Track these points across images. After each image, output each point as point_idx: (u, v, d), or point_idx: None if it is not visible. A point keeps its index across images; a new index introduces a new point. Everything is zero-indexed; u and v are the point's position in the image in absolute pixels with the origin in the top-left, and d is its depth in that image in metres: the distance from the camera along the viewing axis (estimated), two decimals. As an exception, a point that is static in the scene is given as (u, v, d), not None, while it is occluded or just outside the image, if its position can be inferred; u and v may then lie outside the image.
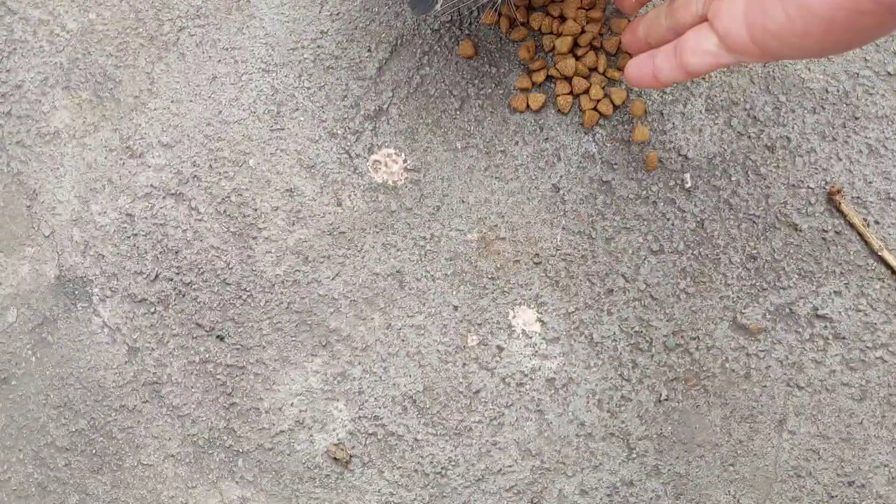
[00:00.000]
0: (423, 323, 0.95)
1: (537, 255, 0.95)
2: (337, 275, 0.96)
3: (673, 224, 0.95)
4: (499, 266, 0.96)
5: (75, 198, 0.97)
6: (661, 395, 0.96)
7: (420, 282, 0.95)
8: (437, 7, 0.63)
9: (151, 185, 0.97)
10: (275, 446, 0.97)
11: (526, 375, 0.96)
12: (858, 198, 0.94)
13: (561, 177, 0.96)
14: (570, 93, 0.97)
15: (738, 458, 0.95)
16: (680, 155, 0.96)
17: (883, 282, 0.94)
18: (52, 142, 0.97)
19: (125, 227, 0.97)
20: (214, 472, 0.98)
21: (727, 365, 0.96)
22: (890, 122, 0.94)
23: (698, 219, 0.95)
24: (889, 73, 0.95)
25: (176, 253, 0.97)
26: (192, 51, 0.98)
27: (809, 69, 0.95)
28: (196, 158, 0.97)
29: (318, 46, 0.98)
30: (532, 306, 0.96)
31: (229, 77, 0.98)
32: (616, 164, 0.96)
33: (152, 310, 0.97)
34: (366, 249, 0.96)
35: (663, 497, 0.95)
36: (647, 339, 0.96)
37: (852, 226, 0.93)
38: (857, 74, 0.95)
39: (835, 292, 0.95)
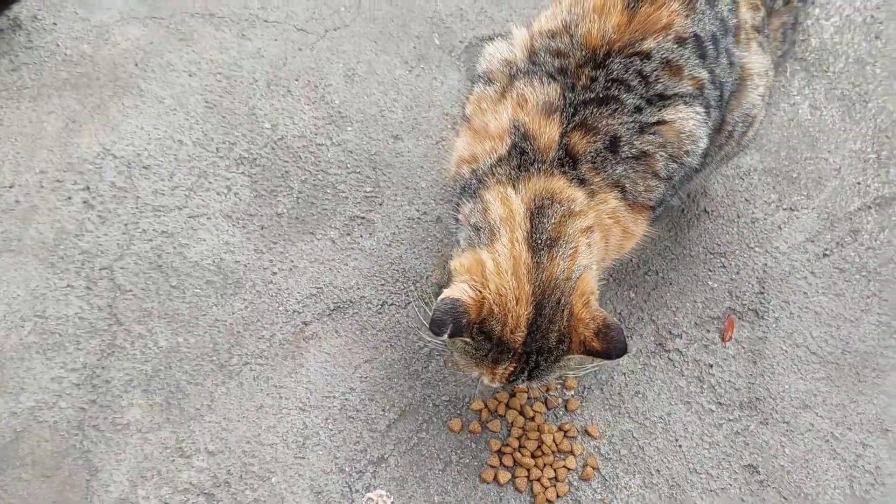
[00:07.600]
0: None
1: None
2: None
3: None
4: None
5: (127, 481, 1.21)
6: None
7: None
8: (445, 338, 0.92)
9: (191, 483, 1.22)
10: None
11: None
12: None
13: (508, 545, 1.24)
14: (527, 477, 1.27)
15: None
16: (600, 546, 1.25)
17: None
18: (122, 431, 1.23)
19: (159, 512, 1.21)
20: None
21: None
22: None
23: None
24: None
25: (195, 542, 1.20)
26: (250, 382, 1.27)
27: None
28: (231, 468, 1.23)
29: (346, 399, 1.28)
30: None
31: (273, 408, 1.26)
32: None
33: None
34: (346, 574, 1.21)
35: None
36: None
37: None
38: None
39: None
